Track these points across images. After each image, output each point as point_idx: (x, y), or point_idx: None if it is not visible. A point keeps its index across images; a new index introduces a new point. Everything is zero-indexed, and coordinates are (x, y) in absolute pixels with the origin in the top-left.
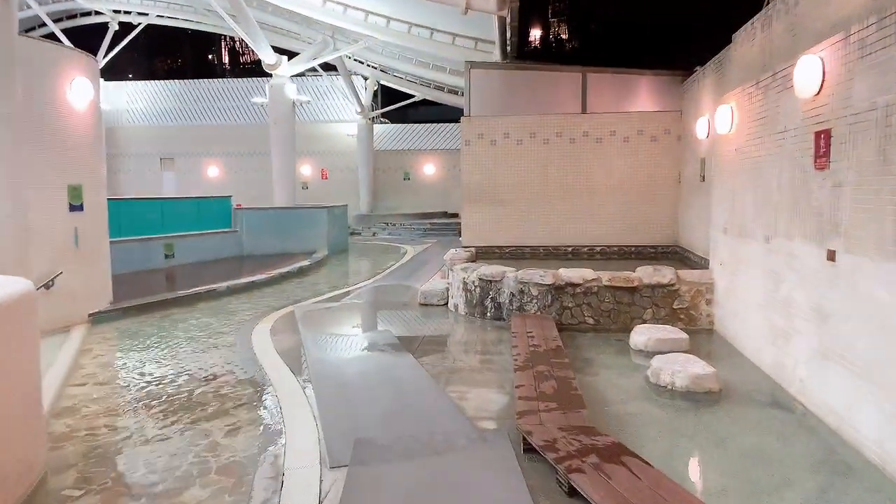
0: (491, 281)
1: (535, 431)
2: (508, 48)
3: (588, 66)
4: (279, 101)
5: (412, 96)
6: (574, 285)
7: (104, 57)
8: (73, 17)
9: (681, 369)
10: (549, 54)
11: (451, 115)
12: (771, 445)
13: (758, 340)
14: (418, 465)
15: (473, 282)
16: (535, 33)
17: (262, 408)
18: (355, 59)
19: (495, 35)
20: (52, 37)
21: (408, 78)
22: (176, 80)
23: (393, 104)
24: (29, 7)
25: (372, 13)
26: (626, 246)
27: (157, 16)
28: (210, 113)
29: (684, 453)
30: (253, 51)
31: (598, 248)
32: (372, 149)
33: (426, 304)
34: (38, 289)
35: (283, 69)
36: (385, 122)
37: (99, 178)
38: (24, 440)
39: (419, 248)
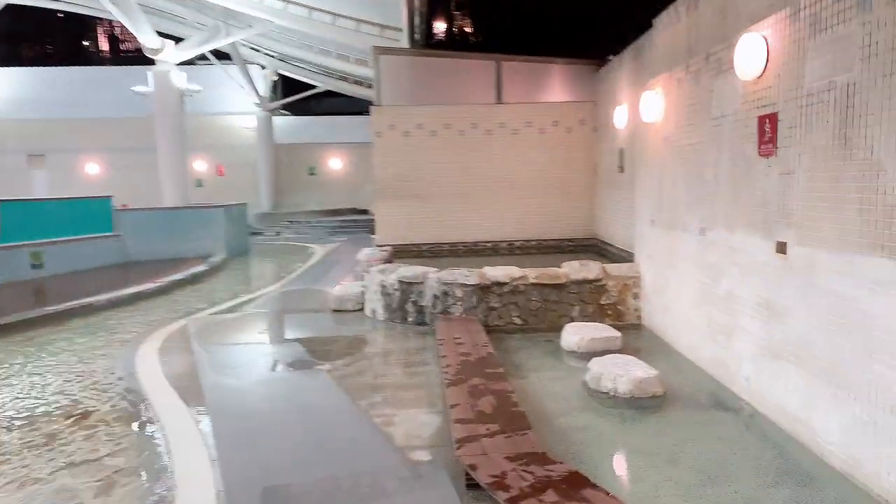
0: (412, 283)
1: (479, 464)
2: (416, 35)
3: (502, 53)
4: (165, 91)
5: (314, 87)
6: (500, 284)
7: None
8: None
9: (622, 373)
10: (458, 43)
11: (357, 107)
12: (727, 458)
13: (693, 337)
14: None
15: (392, 284)
16: (444, 19)
17: (145, 451)
18: (251, 47)
19: (403, 21)
20: None
21: (309, 68)
22: (44, 67)
23: (294, 95)
24: None
25: None
26: (545, 240)
27: None
28: (86, 104)
29: (642, 475)
30: (136, 38)
31: (517, 243)
32: (272, 142)
33: (340, 311)
34: None
35: (169, 55)
36: (286, 115)
37: None
38: None
39: (328, 248)
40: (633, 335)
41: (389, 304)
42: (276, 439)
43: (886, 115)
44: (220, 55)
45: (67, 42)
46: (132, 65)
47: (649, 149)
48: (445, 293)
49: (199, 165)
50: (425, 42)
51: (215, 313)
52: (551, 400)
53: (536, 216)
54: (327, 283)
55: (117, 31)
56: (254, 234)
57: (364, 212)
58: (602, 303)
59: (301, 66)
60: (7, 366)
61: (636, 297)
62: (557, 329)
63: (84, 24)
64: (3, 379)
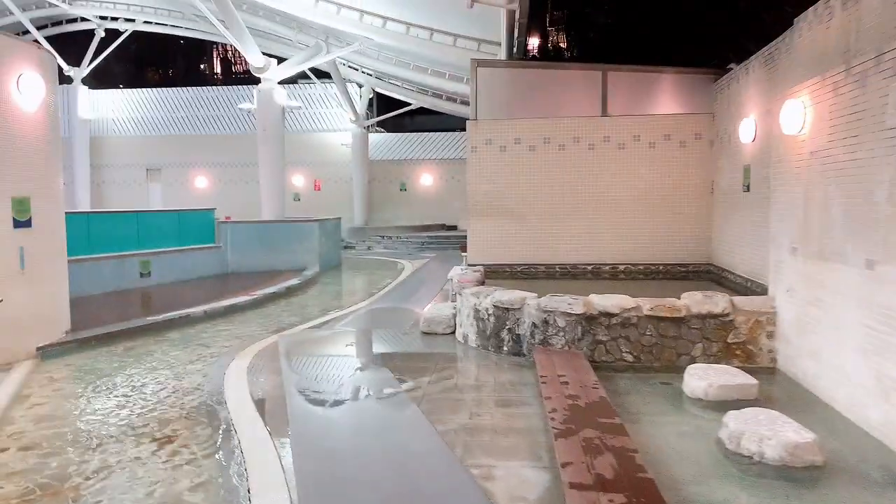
0: (508, 309)
1: None
2: (515, 49)
3: (607, 63)
4: (268, 107)
5: (408, 104)
6: (609, 315)
7: (89, 64)
8: (58, 23)
9: (769, 434)
10: (559, 56)
11: (449, 123)
12: None
13: (857, 392)
14: None
15: (487, 309)
16: (543, 31)
17: (223, 490)
18: (349, 66)
19: (502, 34)
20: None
21: (404, 85)
22: (162, 89)
23: (389, 112)
24: (10, 14)
25: (367, 13)
26: (653, 264)
27: (144, 22)
28: (198, 122)
29: None
30: (246, 60)
31: (622, 267)
32: (367, 159)
33: (430, 333)
34: None
35: (273, 73)
36: (380, 131)
37: (53, 189)
38: None
39: (417, 264)
40: (768, 382)
41: (483, 329)
42: (364, 488)
43: None
44: (321, 74)
45: (186, 66)
46: (241, 84)
47: (790, 165)
48: (546, 322)
49: (298, 180)
50: (523, 56)
51: (305, 330)
52: (679, 462)
53: (644, 238)
54: (416, 301)
55: (230, 54)
56: (346, 247)
57: (453, 228)
58: (729, 341)
59: (396, 83)
60: (106, 377)
61: (770, 336)
62: (675, 369)
63: (201, 49)
64: (97, 393)
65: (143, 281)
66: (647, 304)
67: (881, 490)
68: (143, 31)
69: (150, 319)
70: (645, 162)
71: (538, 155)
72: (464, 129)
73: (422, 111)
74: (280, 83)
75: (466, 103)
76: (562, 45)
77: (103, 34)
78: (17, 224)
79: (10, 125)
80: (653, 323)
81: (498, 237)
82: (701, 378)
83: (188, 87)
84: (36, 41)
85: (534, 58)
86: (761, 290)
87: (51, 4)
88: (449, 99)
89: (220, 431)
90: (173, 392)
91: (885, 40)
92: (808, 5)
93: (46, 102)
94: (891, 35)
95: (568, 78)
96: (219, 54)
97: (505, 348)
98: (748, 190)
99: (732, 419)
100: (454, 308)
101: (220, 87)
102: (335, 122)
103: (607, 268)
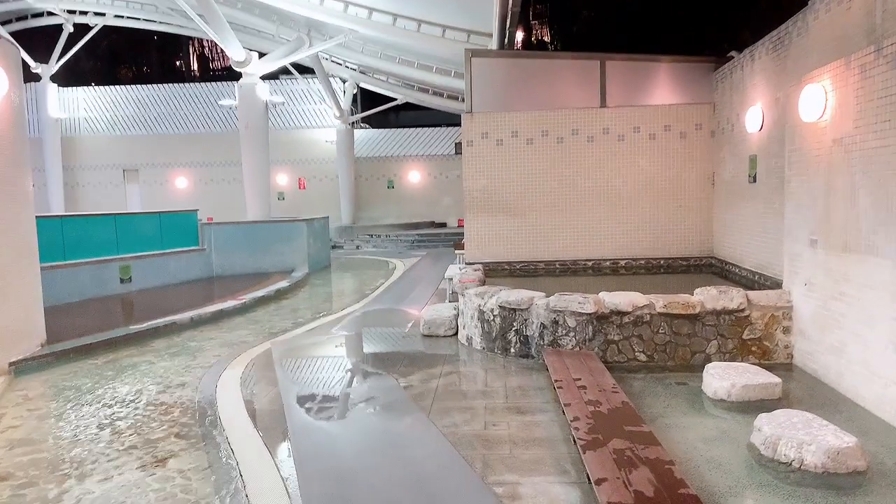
0: (515, 309)
1: None
2: (506, 40)
3: (605, 52)
4: (250, 103)
5: (394, 99)
6: (621, 313)
7: (58, 60)
8: (24, 18)
9: (808, 439)
10: (553, 47)
11: (436, 119)
12: None
13: (890, 391)
14: None
15: (492, 310)
16: (529, 24)
17: None
18: (333, 61)
19: (494, 24)
20: None
21: (390, 80)
22: (137, 86)
23: (374, 108)
24: None
25: (352, 4)
26: (655, 259)
27: (116, 16)
28: (177, 121)
29: None
30: (224, 56)
31: (623, 262)
32: (353, 156)
33: (431, 336)
34: None
35: (254, 67)
36: (366, 128)
37: (18, 190)
38: None
39: (409, 262)
40: (787, 379)
41: (488, 331)
42: None
43: None
44: (303, 70)
45: (161, 62)
46: (220, 81)
47: (808, 154)
48: (555, 322)
49: (282, 179)
50: (518, 45)
51: (298, 336)
52: (711, 471)
53: (645, 232)
54: (412, 302)
55: (207, 50)
56: (334, 247)
57: (443, 225)
58: (745, 338)
59: (381, 78)
60: (86, 393)
61: (787, 331)
62: (690, 368)
63: (176, 46)
64: (77, 411)
65: (124, 287)
66: (660, 301)
67: None
68: (114, 26)
69: (133, 328)
70: (645, 154)
71: (536, 148)
72: (451, 125)
73: (408, 107)
74: (262, 79)
75: (454, 98)
76: (545, 38)
77: (72, 29)
78: None
79: None
80: (666, 320)
81: (496, 234)
82: (722, 378)
83: (165, 84)
84: None
85: (532, 46)
86: (771, 284)
87: None
88: (436, 94)
89: (216, 452)
90: (161, 408)
91: None
92: None
93: (10, 97)
94: None
95: (565, 68)
96: (195, 50)
97: (512, 350)
98: (754, 181)
99: (766, 423)
100: (455, 309)
101: (198, 84)
102: (319, 119)
103: (608, 263)
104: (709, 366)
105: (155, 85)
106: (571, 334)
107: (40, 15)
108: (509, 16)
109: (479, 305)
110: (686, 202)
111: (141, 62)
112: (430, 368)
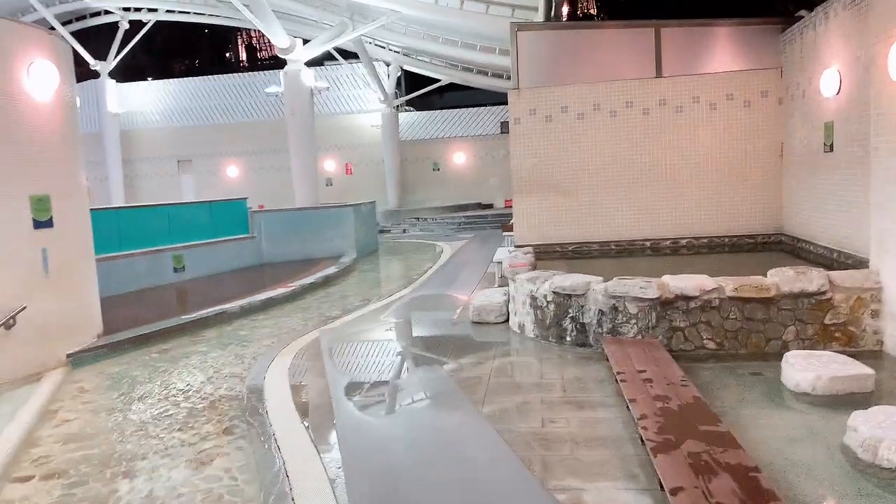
0: (571, 295)
1: None
2: (552, 13)
3: (659, 19)
4: (295, 90)
5: (438, 81)
6: (687, 298)
7: (115, 57)
8: (82, 18)
9: None
10: (601, 18)
11: (480, 98)
12: None
13: None
14: None
15: (545, 296)
16: None
17: None
18: (376, 44)
19: None
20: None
21: (433, 61)
22: (187, 78)
23: (417, 91)
24: (34, 10)
25: None
26: (718, 237)
27: (167, 10)
28: (226, 110)
29: None
30: (272, 45)
31: (684, 241)
32: (398, 139)
33: (481, 323)
34: None
35: (298, 53)
36: (410, 111)
37: (74, 185)
38: None
39: (456, 245)
40: (879, 368)
41: (542, 319)
42: None
43: None
44: (347, 55)
45: (211, 55)
46: (268, 70)
47: None
48: (615, 308)
49: (329, 165)
50: (566, 18)
51: (347, 323)
52: (800, 477)
53: (707, 209)
54: (460, 287)
55: (254, 41)
56: (381, 231)
57: (489, 206)
58: (826, 323)
59: (425, 59)
60: (140, 385)
61: (875, 315)
62: (764, 356)
63: (225, 38)
64: (129, 404)
65: (178, 276)
66: (730, 285)
67: None
68: (166, 21)
69: (184, 318)
70: (706, 125)
71: (587, 123)
72: (496, 104)
73: (451, 87)
74: (306, 65)
75: (499, 76)
76: (591, 11)
77: (127, 26)
78: (38, 224)
79: (20, 117)
80: (737, 305)
81: (546, 215)
82: (805, 368)
83: (214, 76)
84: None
85: (579, 18)
86: (853, 262)
87: None
88: (480, 72)
89: (262, 450)
90: (209, 401)
91: None
92: None
93: (61, 92)
94: None
95: (616, 38)
96: (243, 41)
97: (568, 339)
98: (831, 150)
99: (862, 422)
100: (505, 294)
101: (246, 74)
102: (364, 104)
103: (668, 242)
104: (788, 354)
105: (205, 77)
106: (633, 321)
107: (98, 14)
108: None
109: (532, 291)
110: (751, 176)
111: (193, 55)
112: (481, 358)
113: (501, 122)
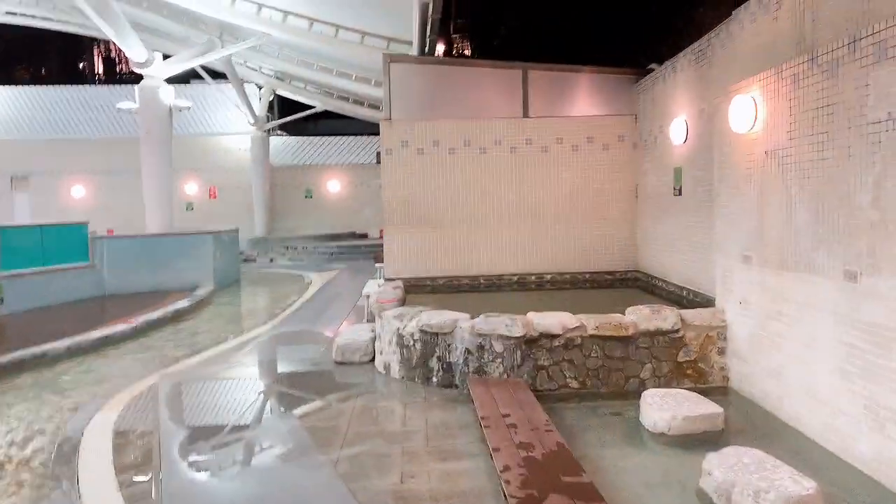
0: (437, 333)
1: None
2: (427, 48)
3: (528, 62)
4: (152, 107)
5: (312, 107)
6: (551, 336)
7: None
8: None
9: (765, 486)
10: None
11: (356, 127)
12: None
13: (838, 421)
14: None
15: (412, 335)
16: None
17: None
18: (248, 66)
19: (414, 31)
20: None
21: (308, 87)
22: (29, 87)
23: (291, 115)
24: None
25: (266, 6)
26: (580, 273)
27: (7, 12)
28: (76, 124)
29: None
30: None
31: (548, 277)
32: (268, 164)
33: (345, 363)
34: None
35: (157, 69)
36: (283, 135)
37: None
38: None
39: (326, 276)
40: (724, 404)
41: (408, 358)
42: None
43: None
44: (216, 74)
45: (62, 64)
46: (128, 84)
47: (739, 167)
48: (481, 347)
49: (191, 188)
50: (439, 54)
51: (193, 366)
52: None
53: (569, 245)
54: (327, 322)
55: (113, 53)
56: (246, 260)
57: (363, 236)
58: (679, 360)
59: (299, 85)
60: None
61: (721, 352)
62: (624, 395)
63: (80, 47)
64: None
65: None
66: (591, 322)
67: None
68: (8, 24)
69: None
70: (569, 165)
71: (458, 158)
72: (373, 134)
73: (327, 115)
74: (168, 82)
75: (374, 107)
76: (466, 52)
77: None
78: None
79: None
80: (598, 343)
81: (417, 248)
82: (661, 408)
83: (63, 86)
84: None
85: (453, 56)
86: (700, 300)
87: None
88: (356, 103)
89: None
90: (8, 468)
91: (868, 21)
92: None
93: None
94: (869, 15)
95: (488, 77)
96: (100, 52)
97: (435, 379)
98: (680, 193)
99: (716, 466)
100: (373, 331)
101: (102, 87)
102: (232, 125)
103: (533, 278)
104: (646, 394)
105: (48, 87)
106: (499, 360)
107: None
108: (430, 23)
109: (398, 329)
110: (610, 215)
111: (40, 62)
112: (341, 404)
113: (378, 152)
